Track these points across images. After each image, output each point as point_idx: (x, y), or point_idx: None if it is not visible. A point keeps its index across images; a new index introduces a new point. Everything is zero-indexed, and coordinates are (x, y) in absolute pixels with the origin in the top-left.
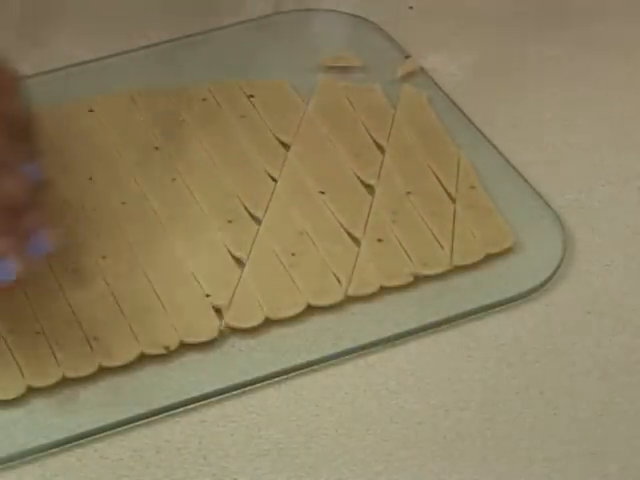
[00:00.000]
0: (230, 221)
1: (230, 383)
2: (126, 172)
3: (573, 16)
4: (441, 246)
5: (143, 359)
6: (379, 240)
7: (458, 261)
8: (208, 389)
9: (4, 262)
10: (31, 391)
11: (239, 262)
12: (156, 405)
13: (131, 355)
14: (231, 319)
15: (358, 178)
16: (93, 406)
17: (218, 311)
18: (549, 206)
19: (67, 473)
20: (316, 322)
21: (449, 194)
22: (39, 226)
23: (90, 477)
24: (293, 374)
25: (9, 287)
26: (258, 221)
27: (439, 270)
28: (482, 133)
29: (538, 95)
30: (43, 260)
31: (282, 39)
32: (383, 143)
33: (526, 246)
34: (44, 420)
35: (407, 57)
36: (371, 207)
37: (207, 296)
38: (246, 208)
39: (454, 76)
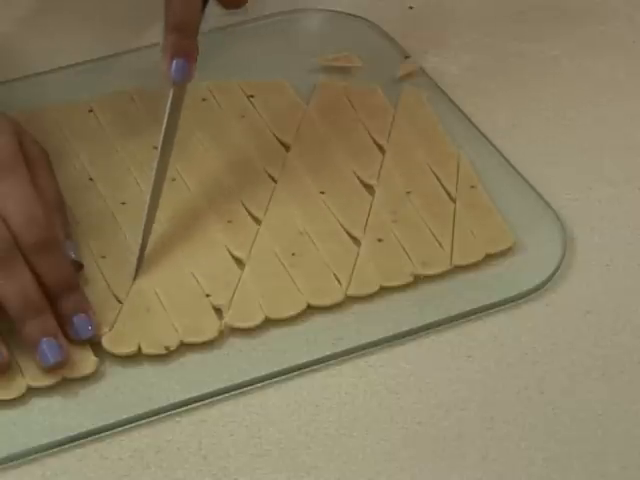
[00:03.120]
0: (230, 221)
1: (230, 383)
2: (126, 172)
3: (573, 16)
4: (441, 246)
5: (143, 359)
6: (379, 240)
7: (458, 261)
8: (208, 389)
9: (52, 343)
10: (31, 391)
11: (239, 262)
12: (156, 405)
13: (131, 355)
14: (231, 319)
15: (358, 178)
16: (93, 406)
17: (218, 311)
18: (549, 206)
19: (67, 473)
20: (316, 322)
21: (449, 194)
22: (79, 310)
23: (90, 477)
24: (293, 374)
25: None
26: (258, 221)
27: (439, 270)
28: (482, 133)
29: (538, 95)
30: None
31: (282, 39)
32: (383, 143)
33: (526, 246)
34: (44, 420)
35: (407, 57)
36: (371, 207)
37: (207, 296)
38: (246, 208)
39: (454, 76)
